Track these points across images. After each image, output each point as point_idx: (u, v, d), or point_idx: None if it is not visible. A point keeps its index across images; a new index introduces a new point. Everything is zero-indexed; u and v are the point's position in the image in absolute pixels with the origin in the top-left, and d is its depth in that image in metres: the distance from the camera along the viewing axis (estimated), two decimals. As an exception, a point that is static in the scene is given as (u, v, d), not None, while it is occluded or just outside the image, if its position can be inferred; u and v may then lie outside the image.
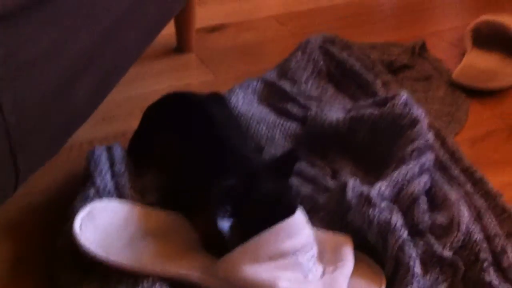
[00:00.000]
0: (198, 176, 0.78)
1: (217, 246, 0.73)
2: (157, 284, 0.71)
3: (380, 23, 1.47)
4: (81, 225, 0.76)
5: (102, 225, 0.77)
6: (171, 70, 1.29)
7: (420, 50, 1.27)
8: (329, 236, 0.76)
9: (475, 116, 1.09)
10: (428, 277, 0.75)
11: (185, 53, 1.35)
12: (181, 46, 1.36)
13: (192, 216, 0.78)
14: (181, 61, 1.33)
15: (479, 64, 1.21)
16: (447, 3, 1.58)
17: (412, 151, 0.84)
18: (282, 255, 0.69)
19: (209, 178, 0.74)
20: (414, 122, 0.87)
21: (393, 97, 0.88)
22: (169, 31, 1.38)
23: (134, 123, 0.95)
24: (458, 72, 1.18)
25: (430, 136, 0.87)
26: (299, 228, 0.71)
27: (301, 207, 0.74)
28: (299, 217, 0.72)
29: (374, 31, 1.41)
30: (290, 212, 0.71)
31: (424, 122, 0.87)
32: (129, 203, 0.80)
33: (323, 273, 0.72)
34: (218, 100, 0.93)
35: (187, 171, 0.82)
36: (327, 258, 0.73)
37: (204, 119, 0.85)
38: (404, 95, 0.88)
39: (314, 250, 0.72)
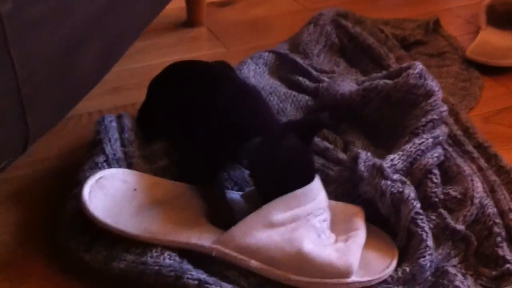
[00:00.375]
0: (211, 141, 0.76)
1: (224, 221, 0.73)
2: (166, 253, 0.70)
3: (391, 0, 1.45)
4: (90, 192, 0.75)
5: (111, 193, 0.76)
6: (181, 43, 1.27)
7: (434, 26, 1.25)
8: (341, 207, 0.75)
9: (489, 92, 1.08)
10: (440, 251, 0.74)
11: (196, 27, 1.33)
12: (191, 20, 1.34)
13: (202, 188, 0.78)
14: (191, 34, 1.31)
15: (494, 42, 1.19)
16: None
17: (426, 122, 0.83)
18: (293, 219, 0.69)
19: (225, 141, 0.73)
20: (429, 93, 0.85)
21: (407, 68, 0.87)
22: (178, 5, 1.36)
23: (143, 94, 0.94)
24: (472, 48, 1.17)
25: (445, 109, 0.86)
26: (314, 195, 0.71)
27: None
28: (315, 184, 0.71)
29: (387, 7, 1.40)
30: (309, 178, 0.70)
31: (439, 94, 0.86)
32: (139, 173, 0.80)
33: (336, 241, 0.71)
34: (224, 67, 0.91)
35: (198, 138, 0.80)
36: (339, 227, 0.73)
37: (210, 86, 0.82)
38: (419, 66, 0.86)
39: (326, 215, 0.72)
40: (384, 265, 0.70)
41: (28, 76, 0.60)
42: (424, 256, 0.70)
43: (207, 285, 0.65)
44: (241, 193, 0.79)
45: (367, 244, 0.72)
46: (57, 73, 0.66)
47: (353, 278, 0.68)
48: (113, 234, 0.73)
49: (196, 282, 0.66)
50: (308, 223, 0.69)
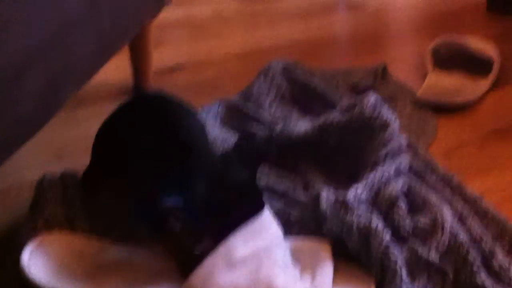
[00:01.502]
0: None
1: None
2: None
3: (340, 53, 1.47)
4: (30, 257, 0.69)
5: (54, 257, 0.70)
6: (128, 108, 1.23)
7: (382, 73, 1.25)
8: (305, 242, 0.71)
9: (445, 130, 1.06)
10: (416, 284, 0.69)
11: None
12: (138, 86, 1.31)
13: (161, 242, 0.72)
14: (138, 99, 1.28)
15: (443, 82, 1.20)
16: (403, 30, 1.59)
17: (386, 154, 0.80)
18: (254, 255, 0.64)
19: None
20: (385, 124, 0.83)
21: (361, 100, 0.84)
22: (125, 73, 1.34)
23: (85, 161, 0.89)
24: (423, 90, 1.17)
25: (403, 139, 0.83)
26: (267, 226, 0.66)
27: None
28: (266, 216, 0.67)
29: (335, 61, 1.40)
30: (258, 206, 0.65)
31: (395, 124, 0.83)
32: (84, 237, 0.74)
33: (300, 275, 0.65)
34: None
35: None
36: (304, 262, 0.68)
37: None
38: (373, 96, 0.84)
39: (285, 247, 0.67)
40: None
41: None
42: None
43: None
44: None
45: (341, 277, 0.67)
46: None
47: None
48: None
49: None
50: (270, 256, 0.64)
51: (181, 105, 0.82)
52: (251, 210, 0.66)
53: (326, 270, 0.67)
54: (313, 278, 0.66)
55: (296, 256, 0.69)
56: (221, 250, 0.64)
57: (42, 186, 0.80)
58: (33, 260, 0.69)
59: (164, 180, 0.71)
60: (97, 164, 0.82)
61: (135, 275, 0.69)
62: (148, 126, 0.75)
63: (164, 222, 0.72)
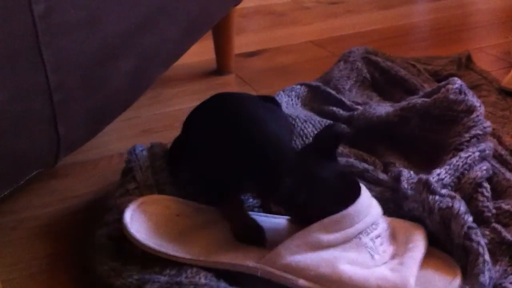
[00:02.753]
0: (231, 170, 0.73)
1: (251, 237, 0.70)
2: (202, 274, 0.67)
3: (421, 43, 1.45)
4: (131, 216, 0.73)
5: (154, 218, 0.74)
6: (211, 88, 1.27)
7: (466, 62, 1.23)
8: (401, 222, 0.71)
9: (530, 120, 1.04)
10: (497, 267, 0.68)
11: (225, 75, 1.34)
12: (220, 69, 1.36)
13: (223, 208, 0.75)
14: (221, 81, 1.32)
15: (529, 73, 1.17)
16: (487, 21, 1.55)
17: (470, 138, 0.79)
18: (344, 240, 0.65)
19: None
20: (470, 109, 0.82)
21: (446, 84, 0.84)
22: (208, 56, 1.39)
23: (173, 136, 0.92)
24: (508, 79, 1.14)
25: (488, 124, 0.82)
26: (365, 211, 0.67)
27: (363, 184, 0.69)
28: (365, 200, 0.67)
29: (416, 50, 1.39)
30: (356, 192, 0.66)
31: (481, 110, 0.82)
32: (181, 199, 0.77)
33: (393, 255, 0.67)
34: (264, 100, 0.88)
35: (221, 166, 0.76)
36: (398, 239, 0.68)
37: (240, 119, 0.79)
38: (458, 81, 0.83)
39: (380, 230, 0.67)
40: (446, 283, 0.65)
41: (60, 82, 0.59)
42: (483, 272, 0.64)
43: (245, 302, 0.61)
44: (287, 217, 0.75)
45: (427, 263, 0.67)
46: (90, 84, 0.65)
47: None
48: (144, 257, 0.69)
49: (234, 300, 0.61)
50: (360, 242, 0.65)
51: (273, 106, 0.84)
52: (350, 194, 0.66)
53: (417, 249, 0.67)
54: (404, 256, 0.66)
55: (392, 234, 0.69)
56: (315, 229, 0.65)
57: (134, 155, 0.84)
58: (134, 219, 0.73)
59: (243, 177, 0.72)
60: (184, 141, 0.86)
61: (224, 238, 0.72)
62: (238, 120, 0.76)
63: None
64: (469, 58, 1.24)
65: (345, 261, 0.64)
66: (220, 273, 0.68)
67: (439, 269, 0.67)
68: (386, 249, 0.67)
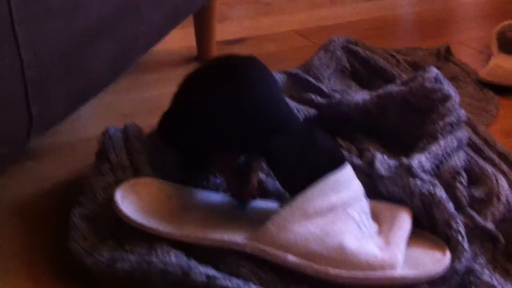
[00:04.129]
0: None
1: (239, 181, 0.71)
2: (172, 252, 0.67)
3: (403, 34, 1.46)
4: (122, 194, 0.73)
5: (145, 198, 0.74)
6: (191, 75, 1.27)
7: (445, 54, 1.24)
8: (383, 204, 0.72)
9: (506, 110, 1.05)
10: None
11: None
12: (201, 56, 1.35)
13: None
14: (201, 68, 1.31)
15: (506, 66, 1.18)
16: (468, 16, 1.57)
17: (445, 125, 0.80)
18: (331, 209, 0.65)
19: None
20: (446, 97, 0.83)
21: (422, 74, 0.85)
22: (189, 43, 1.38)
23: (153, 120, 0.92)
24: (486, 71, 1.16)
25: (463, 113, 0.83)
26: (347, 181, 0.67)
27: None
28: (347, 171, 0.68)
29: (397, 41, 1.40)
30: (339, 164, 0.67)
31: (456, 98, 0.83)
32: (174, 183, 0.77)
33: (379, 232, 0.67)
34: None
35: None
36: (383, 217, 0.69)
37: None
38: (434, 70, 0.84)
39: (364, 205, 0.68)
40: (435, 261, 0.65)
41: (34, 61, 0.59)
42: (460, 260, 0.66)
43: (216, 280, 0.61)
44: (278, 203, 0.76)
45: (415, 242, 0.68)
46: (67, 65, 0.65)
47: (400, 272, 0.63)
48: (119, 234, 0.70)
49: (205, 278, 0.62)
50: (347, 214, 0.66)
51: (264, 69, 0.83)
52: (334, 164, 0.67)
53: (403, 227, 0.68)
54: (389, 234, 0.67)
55: (376, 214, 0.70)
56: (299, 200, 0.66)
57: (107, 136, 0.84)
58: (125, 197, 0.73)
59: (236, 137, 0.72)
60: (174, 112, 0.84)
61: (214, 217, 0.72)
62: (228, 83, 0.75)
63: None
64: (448, 50, 1.26)
65: (334, 235, 0.64)
66: (191, 250, 0.68)
67: (427, 248, 0.68)
68: (371, 224, 0.68)
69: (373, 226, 0.68)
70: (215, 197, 0.77)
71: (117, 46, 0.76)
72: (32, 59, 0.58)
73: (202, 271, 0.62)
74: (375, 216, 0.70)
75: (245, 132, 0.71)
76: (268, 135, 0.68)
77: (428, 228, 0.70)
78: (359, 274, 0.63)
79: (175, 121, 0.82)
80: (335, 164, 0.68)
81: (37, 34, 0.59)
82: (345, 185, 0.67)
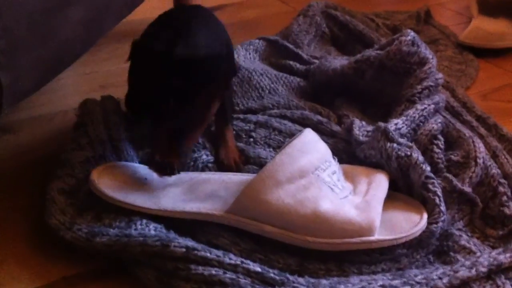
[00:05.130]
0: None
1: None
2: (151, 226, 0.67)
3: (383, -2, 1.45)
4: (99, 174, 0.73)
5: (121, 178, 0.74)
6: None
7: (425, 17, 1.23)
8: (361, 167, 0.72)
9: (485, 73, 1.05)
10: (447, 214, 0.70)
11: (185, 30, 1.32)
12: (180, 24, 1.33)
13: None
14: (180, 36, 1.30)
15: (486, 28, 1.17)
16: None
17: (422, 89, 0.80)
18: (301, 173, 0.65)
19: None
20: (423, 61, 0.82)
21: (399, 36, 0.84)
22: (167, 12, 1.36)
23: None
24: (466, 34, 1.15)
25: (440, 76, 0.83)
26: (313, 143, 0.67)
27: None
28: (310, 134, 0.68)
29: (377, 5, 1.39)
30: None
31: (433, 62, 0.83)
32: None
33: (354, 192, 0.67)
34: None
35: None
36: (359, 179, 0.69)
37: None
38: (411, 33, 0.84)
39: (334, 167, 0.68)
40: (411, 224, 0.65)
41: (2, 29, 0.57)
42: (436, 222, 0.66)
43: (195, 251, 0.61)
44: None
45: (392, 204, 0.68)
46: (37, 32, 0.63)
47: (377, 237, 0.63)
48: (102, 211, 0.70)
49: (184, 249, 0.62)
50: (318, 178, 0.65)
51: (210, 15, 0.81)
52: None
53: (380, 188, 0.68)
54: (366, 192, 0.67)
55: (351, 175, 0.70)
56: (268, 168, 0.65)
57: (85, 109, 0.83)
58: (101, 177, 0.72)
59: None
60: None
61: (192, 193, 0.72)
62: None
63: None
64: (428, 13, 1.25)
65: (307, 203, 0.64)
66: (170, 224, 0.68)
67: (404, 210, 0.68)
68: (344, 185, 0.68)
69: (346, 186, 0.68)
70: (192, 176, 0.76)
71: (87, 12, 0.74)
72: (1, 29, 0.57)
73: (182, 242, 0.62)
74: (352, 178, 0.70)
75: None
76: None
77: (405, 192, 0.70)
78: (336, 240, 0.63)
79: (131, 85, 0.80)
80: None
81: (4, 2, 0.57)
82: (312, 147, 0.67)
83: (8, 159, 0.88)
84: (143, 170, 0.76)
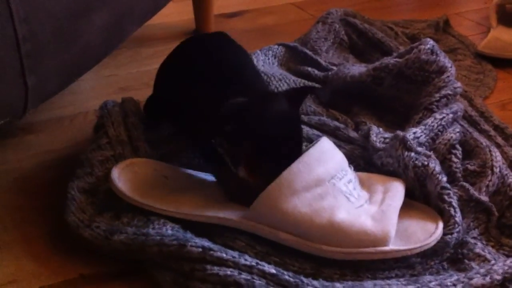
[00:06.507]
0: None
1: (243, 193, 0.70)
2: (168, 225, 0.68)
3: (403, 6, 1.45)
4: (119, 173, 0.74)
5: (141, 177, 0.75)
6: (189, 49, 1.27)
7: (444, 26, 1.23)
8: (377, 175, 0.73)
9: (504, 83, 1.05)
10: (463, 223, 0.70)
11: (204, 35, 1.33)
12: (199, 29, 1.35)
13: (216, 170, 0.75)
14: (200, 41, 1.31)
15: (505, 38, 1.17)
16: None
17: (440, 98, 0.80)
18: (318, 182, 0.65)
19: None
20: (442, 69, 0.83)
21: (418, 45, 0.85)
22: (187, 16, 1.38)
23: (146, 94, 0.93)
24: (484, 44, 1.15)
25: (459, 85, 0.83)
26: (330, 152, 0.68)
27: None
28: (327, 143, 0.69)
29: (396, 13, 1.39)
30: (294, 133, 0.67)
31: (452, 71, 0.83)
32: (170, 165, 0.78)
33: (370, 201, 0.68)
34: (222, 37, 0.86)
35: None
36: (375, 187, 0.69)
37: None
38: (430, 42, 0.84)
39: (350, 176, 0.68)
40: (426, 234, 0.66)
41: (29, 33, 0.59)
42: (451, 233, 0.66)
43: (211, 252, 0.62)
44: None
45: (408, 213, 0.68)
46: (62, 36, 0.65)
47: (392, 247, 0.64)
48: (121, 210, 0.71)
49: (200, 249, 0.62)
50: (334, 187, 0.66)
51: (235, 43, 0.84)
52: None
53: (396, 198, 0.68)
54: (382, 202, 0.67)
55: (367, 184, 0.70)
56: (285, 176, 0.65)
57: (105, 110, 0.85)
58: (121, 175, 0.73)
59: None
60: (157, 93, 0.86)
61: (210, 197, 0.73)
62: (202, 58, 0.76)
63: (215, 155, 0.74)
64: (447, 22, 1.25)
65: (323, 213, 0.64)
66: (187, 225, 0.69)
67: (420, 219, 0.68)
68: (360, 193, 0.68)
69: (362, 195, 0.68)
70: (211, 178, 0.77)
71: (111, 17, 0.76)
72: (26, 32, 0.58)
73: (198, 242, 0.63)
74: (368, 187, 0.70)
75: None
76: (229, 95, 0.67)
77: (421, 201, 0.71)
78: (351, 250, 0.64)
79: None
80: (288, 132, 0.66)
81: (31, 6, 0.59)
82: (328, 156, 0.67)
83: (29, 159, 0.90)
84: (164, 167, 0.77)
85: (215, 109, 0.65)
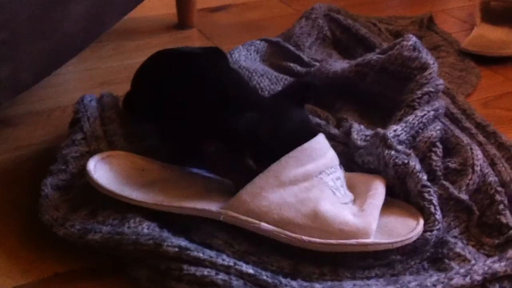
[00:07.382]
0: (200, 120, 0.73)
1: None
2: (144, 224, 0.67)
3: (389, 2, 1.45)
4: (95, 165, 0.73)
5: (118, 169, 0.74)
6: (172, 42, 1.25)
7: (428, 23, 1.23)
8: (358, 175, 0.72)
9: (487, 81, 1.05)
10: (444, 221, 0.69)
11: (187, 29, 1.32)
12: (182, 23, 1.33)
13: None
14: (182, 35, 1.30)
15: (489, 35, 1.17)
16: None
17: (422, 95, 0.80)
18: (305, 177, 0.65)
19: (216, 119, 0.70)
20: (424, 66, 0.82)
21: (401, 41, 0.84)
22: (170, 11, 1.36)
23: (127, 88, 0.91)
24: (468, 41, 1.15)
25: (441, 82, 0.82)
26: (322, 150, 0.67)
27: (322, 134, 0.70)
28: (321, 140, 0.68)
29: (383, 10, 1.38)
30: (312, 135, 0.67)
31: (434, 68, 0.83)
32: (147, 158, 0.76)
33: (354, 201, 0.67)
34: (213, 52, 0.87)
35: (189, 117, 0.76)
36: (357, 189, 0.69)
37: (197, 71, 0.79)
38: (413, 38, 0.83)
39: (339, 173, 0.68)
40: (407, 229, 0.65)
41: (4, 23, 0.57)
42: (431, 231, 0.65)
43: (188, 251, 0.61)
44: None
45: (389, 210, 0.68)
46: (39, 26, 0.63)
47: (373, 240, 0.63)
48: (95, 207, 0.69)
49: (176, 249, 0.61)
50: (321, 181, 0.65)
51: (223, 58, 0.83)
52: (307, 137, 0.67)
53: (377, 196, 0.67)
54: (363, 202, 0.67)
55: (351, 185, 0.70)
56: (273, 168, 0.65)
57: (82, 105, 0.83)
58: (98, 167, 0.72)
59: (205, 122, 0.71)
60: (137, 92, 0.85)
61: (187, 188, 0.72)
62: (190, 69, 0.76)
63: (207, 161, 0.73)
64: (431, 19, 1.24)
65: (308, 202, 0.64)
66: (164, 223, 0.68)
67: (401, 216, 0.68)
68: (346, 192, 0.68)
69: (348, 194, 0.68)
70: (190, 170, 0.76)
71: (90, 6, 0.74)
72: (1, 22, 0.56)
73: (174, 242, 0.62)
74: (351, 187, 0.70)
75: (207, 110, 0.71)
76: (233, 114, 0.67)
77: (403, 198, 0.70)
78: (332, 241, 0.63)
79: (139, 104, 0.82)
80: (307, 136, 0.67)
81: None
82: (320, 154, 0.67)
83: (6, 152, 0.88)
84: (141, 160, 0.75)
85: (219, 125, 0.66)
